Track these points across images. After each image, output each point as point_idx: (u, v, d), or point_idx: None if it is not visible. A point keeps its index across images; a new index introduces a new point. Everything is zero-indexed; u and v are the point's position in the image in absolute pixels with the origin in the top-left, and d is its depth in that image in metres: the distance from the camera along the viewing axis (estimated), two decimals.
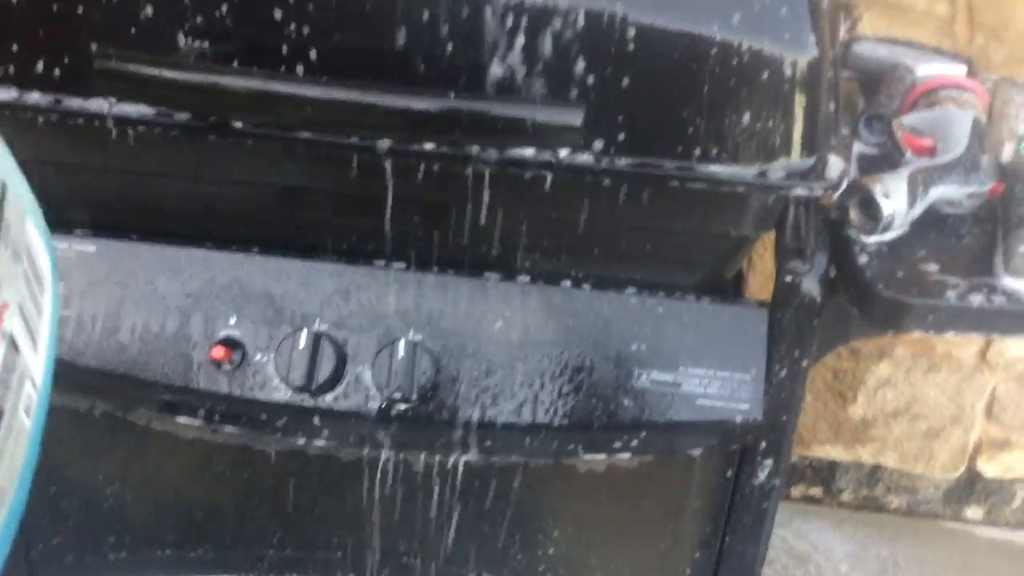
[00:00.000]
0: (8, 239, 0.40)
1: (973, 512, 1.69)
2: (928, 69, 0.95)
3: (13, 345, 0.40)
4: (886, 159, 0.87)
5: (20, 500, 0.42)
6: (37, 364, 0.43)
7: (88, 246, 0.79)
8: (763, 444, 0.84)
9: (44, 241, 0.45)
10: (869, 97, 0.94)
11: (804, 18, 0.69)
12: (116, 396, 0.84)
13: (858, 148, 0.90)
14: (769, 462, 0.85)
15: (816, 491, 1.69)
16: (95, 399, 0.86)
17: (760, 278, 1.40)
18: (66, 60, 0.69)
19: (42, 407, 0.44)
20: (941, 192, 0.81)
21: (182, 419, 0.83)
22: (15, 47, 0.69)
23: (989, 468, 1.62)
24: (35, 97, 0.69)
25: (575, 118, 0.63)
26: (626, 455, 0.84)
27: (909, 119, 0.88)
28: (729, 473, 0.88)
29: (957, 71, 0.94)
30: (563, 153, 0.67)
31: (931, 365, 1.51)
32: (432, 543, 0.92)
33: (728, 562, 0.92)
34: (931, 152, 0.84)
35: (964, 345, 1.49)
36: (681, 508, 0.92)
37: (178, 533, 0.96)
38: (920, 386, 1.53)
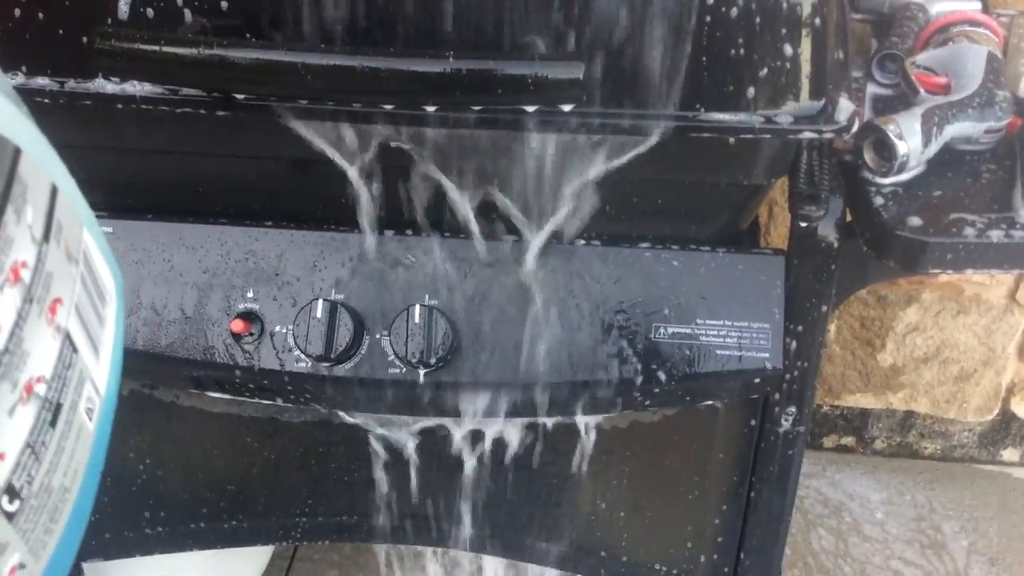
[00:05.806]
0: (60, 239, 0.38)
1: (1009, 454, 1.67)
2: (941, 7, 0.93)
3: (70, 342, 0.38)
4: (901, 99, 0.85)
5: (85, 504, 0.40)
6: (100, 372, 0.41)
7: (104, 227, 0.80)
8: (785, 392, 0.84)
9: (107, 260, 0.43)
10: (882, 39, 0.92)
11: None
12: (141, 374, 0.86)
13: (872, 90, 0.89)
14: (792, 410, 0.85)
15: (848, 440, 1.69)
16: (121, 379, 0.87)
17: (783, 229, 1.39)
18: (69, 42, 0.69)
19: (106, 418, 0.42)
20: (956, 129, 0.80)
21: (206, 394, 0.84)
22: (19, 32, 0.70)
23: (1023, 409, 1.61)
24: (41, 81, 0.70)
25: (576, 72, 0.62)
26: (647, 409, 0.85)
27: (922, 58, 0.86)
28: (753, 423, 0.88)
29: (971, 7, 0.92)
30: (566, 108, 0.66)
31: (960, 308, 1.49)
32: (459, 505, 0.93)
33: (756, 511, 0.92)
34: (946, 90, 0.83)
35: (993, 286, 1.47)
36: (706, 460, 0.92)
37: (211, 506, 0.97)
38: (949, 330, 1.52)
